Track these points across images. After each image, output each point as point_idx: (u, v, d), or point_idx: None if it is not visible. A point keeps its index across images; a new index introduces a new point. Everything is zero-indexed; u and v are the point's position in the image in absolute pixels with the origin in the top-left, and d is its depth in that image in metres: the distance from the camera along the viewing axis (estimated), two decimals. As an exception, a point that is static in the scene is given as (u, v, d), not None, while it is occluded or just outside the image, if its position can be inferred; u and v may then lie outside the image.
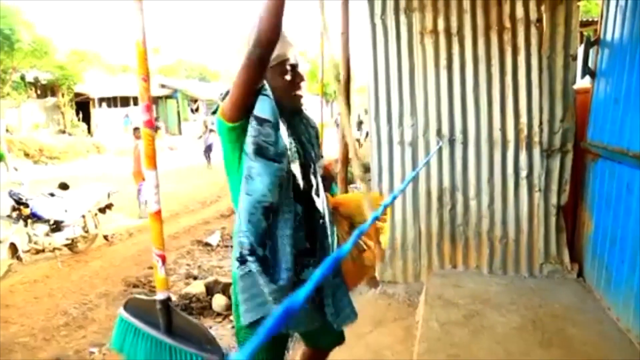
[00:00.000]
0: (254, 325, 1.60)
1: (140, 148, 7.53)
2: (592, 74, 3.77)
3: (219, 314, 4.16)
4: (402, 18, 3.97)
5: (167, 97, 28.04)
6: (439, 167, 4.01)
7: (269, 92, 1.55)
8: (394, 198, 1.35)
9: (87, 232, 6.31)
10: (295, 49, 1.69)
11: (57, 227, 5.84)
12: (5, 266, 5.19)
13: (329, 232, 1.79)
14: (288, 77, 1.66)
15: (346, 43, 4.11)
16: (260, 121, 1.52)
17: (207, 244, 6.52)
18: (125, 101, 26.15)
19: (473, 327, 3.00)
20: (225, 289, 4.33)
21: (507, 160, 3.90)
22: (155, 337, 1.68)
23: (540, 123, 3.81)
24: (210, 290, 4.48)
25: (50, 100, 22.71)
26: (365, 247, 1.93)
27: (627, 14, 3.21)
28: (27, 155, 16.49)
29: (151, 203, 1.65)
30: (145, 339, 1.71)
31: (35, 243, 5.62)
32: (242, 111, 1.53)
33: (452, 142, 3.97)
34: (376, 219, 1.04)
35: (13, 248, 5.31)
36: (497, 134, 3.90)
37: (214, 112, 1.65)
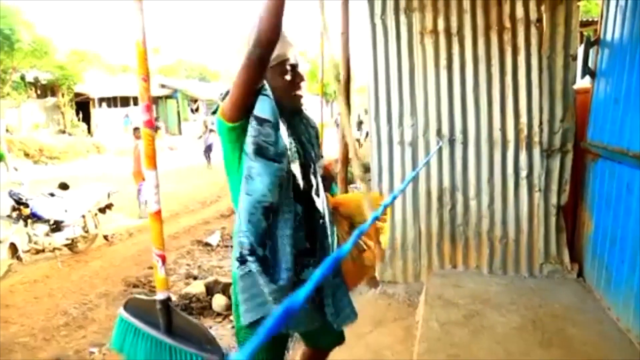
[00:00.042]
0: (253, 325, 1.60)
1: (140, 148, 7.53)
2: (592, 74, 3.77)
3: (219, 314, 4.16)
4: (402, 18, 3.97)
5: (167, 97, 28.05)
6: (439, 167, 4.01)
7: (269, 92, 1.54)
8: (394, 198, 1.34)
9: (87, 232, 6.31)
10: (295, 49, 1.69)
11: (57, 227, 5.84)
12: (5, 266, 5.19)
13: (329, 232, 1.79)
14: (288, 77, 1.66)
15: (346, 43, 4.11)
16: (260, 121, 1.51)
17: (207, 244, 6.52)
18: (125, 101, 26.15)
19: (473, 327, 3.00)
20: (225, 289, 4.33)
21: (507, 160, 3.90)
22: (155, 337, 1.68)
23: (540, 123, 3.81)
24: (210, 290, 4.48)
25: (50, 100, 22.71)
26: (365, 247, 1.93)
27: (627, 14, 3.21)
28: (27, 155, 16.49)
29: (151, 203, 1.65)
30: (145, 339, 1.71)
31: (35, 243, 5.62)
32: (242, 111, 1.53)
33: (452, 142, 3.97)
34: (376, 219, 1.04)
35: (13, 248, 5.31)
36: (497, 134, 3.90)
37: (214, 112, 1.64)
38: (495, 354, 2.68)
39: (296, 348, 3.23)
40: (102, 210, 6.62)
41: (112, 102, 25.70)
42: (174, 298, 4.10)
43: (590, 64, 3.77)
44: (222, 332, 3.81)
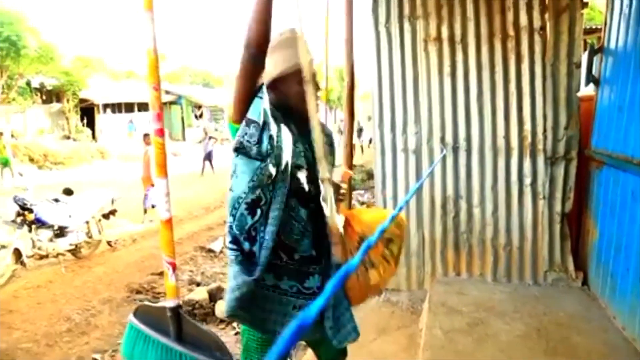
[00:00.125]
0: (231, 317, 1.66)
1: (150, 154, 7.57)
2: (596, 82, 3.77)
3: (222, 321, 4.16)
4: (406, 25, 3.98)
5: (172, 103, 28.17)
6: (442, 175, 4.01)
7: (264, 94, 1.57)
8: (400, 209, 1.34)
9: (90, 237, 6.33)
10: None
11: (61, 232, 5.86)
12: (9, 271, 5.20)
13: None
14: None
15: (350, 50, 4.13)
16: (248, 122, 1.56)
17: (210, 250, 6.53)
18: (129, 107, 26.29)
19: (477, 335, 2.99)
20: (228, 296, 4.32)
21: (511, 168, 3.89)
22: (165, 344, 1.69)
23: (544, 130, 3.80)
24: (213, 296, 4.48)
25: (55, 106, 22.84)
26: (372, 264, 1.90)
27: (631, 22, 3.21)
28: (31, 160, 16.57)
29: (162, 211, 1.66)
30: (156, 346, 1.71)
31: (39, 248, 5.64)
32: (243, 113, 1.58)
33: (455, 149, 3.97)
34: (383, 232, 1.04)
35: (17, 253, 5.33)
36: (500, 141, 3.89)
37: None
38: (500, 363, 2.67)
39: (299, 353, 3.23)
40: (106, 216, 6.64)
41: (116, 108, 25.83)
42: (177, 304, 4.10)
43: (594, 72, 3.77)
44: (226, 339, 3.80)
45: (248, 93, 1.56)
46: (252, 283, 1.58)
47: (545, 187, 3.83)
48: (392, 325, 3.60)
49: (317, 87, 1.74)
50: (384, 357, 3.16)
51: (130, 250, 6.76)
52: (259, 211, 1.60)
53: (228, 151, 1.81)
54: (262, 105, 1.56)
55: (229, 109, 1.62)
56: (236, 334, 3.82)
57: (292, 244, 1.66)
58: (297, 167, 1.66)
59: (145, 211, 8.23)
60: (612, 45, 3.53)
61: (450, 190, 4.01)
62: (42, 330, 4.16)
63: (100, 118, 24.71)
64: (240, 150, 1.57)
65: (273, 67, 1.67)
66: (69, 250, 6.01)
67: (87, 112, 23.89)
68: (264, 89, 1.58)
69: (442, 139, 3.99)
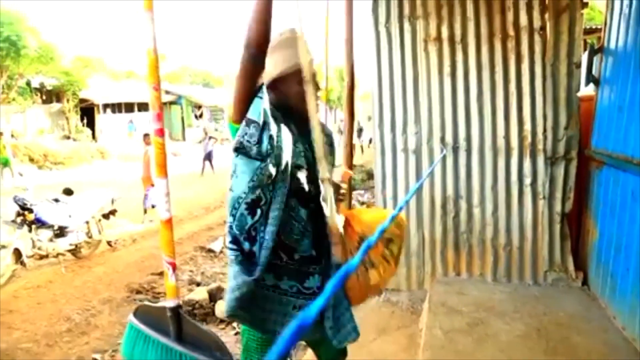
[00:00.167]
0: (231, 317, 1.66)
1: (150, 154, 7.57)
2: (596, 82, 3.77)
3: (222, 321, 4.16)
4: (406, 25, 3.98)
5: (172, 103, 28.18)
6: (442, 175, 4.01)
7: (263, 94, 1.58)
8: (400, 209, 1.34)
9: (90, 237, 6.33)
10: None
11: (61, 232, 5.86)
12: (9, 271, 5.20)
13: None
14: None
15: (350, 50, 4.13)
16: (248, 122, 1.56)
17: (210, 250, 6.53)
18: (129, 107, 26.29)
19: (477, 335, 2.99)
20: (228, 296, 4.32)
21: (511, 168, 3.90)
22: (165, 344, 1.69)
23: (544, 130, 3.80)
24: (213, 296, 4.48)
25: (55, 106, 22.85)
26: (372, 264, 1.88)
27: (631, 21, 3.21)
28: (31, 160, 16.57)
29: (162, 211, 1.66)
30: (156, 346, 1.71)
31: (39, 248, 5.64)
32: (243, 113, 1.58)
33: (455, 149, 3.97)
34: (383, 231, 1.04)
35: (17, 253, 5.33)
36: (500, 141, 3.89)
37: None
38: (500, 363, 2.67)
39: (299, 353, 3.23)
40: (106, 216, 6.64)
41: (116, 108, 25.83)
42: (177, 304, 4.10)
43: (594, 72, 3.77)
44: (226, 339, 3.80)
45: (248, 93, 1.56)
46: (252, 283, 1.58)
47: (545, 187, 3.84)
48: (392, 325, 3.60)
49: (317, 87, 1.74)
50: (384, 357, 3.16)
51: (130, 250, 6.76)
52: (259, 211, 1.60)
53: (228, 151, 1.81)
54: (262, 105, 1.56)
55: (229, 109, 1.62)
56: (236, 334, 3.82)
57: (292, 244, 1.66)
58: (297, 167, 1.66)
59: (145, 211, 8.23)
60: (612, 45, 3.53)
61: (450, 190, 4.01)
62: (42, 330, 4.16)
63: (100, 118, 24.72)
64: (240, 150, 1.58)
65: (273, 67, 1.68)
66: (69, 250, 6.01)
67: (87, 112, 23.89)
68: (264, 89, 1.58)
69: (442, 139, 3.99)
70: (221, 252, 6.46)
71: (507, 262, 3.95)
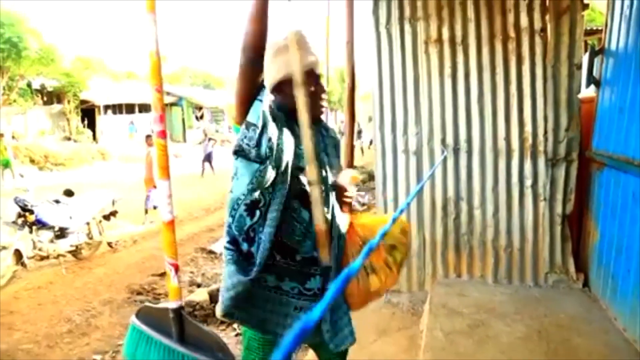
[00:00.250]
0: (226, 316, 1.67)
1: (152, 155, 7.58)
2: (597, 83, 3.77)
3: (222, 322, 4.15)
4: (407, 27, 3.98)
5: (172, 104, 28.20)
6: (443, 176, 4.01)
7: (263, 97, 1.58)
8: (401, 212, 1.34)
9: (91, 238, 6.33)
10: (318, 61, 1.74)
11: (61, 233, 5.86)
12: (10, 272, 5.21)
13: (340, 245, 1.77)
14: (312, 88, 1.70)
15: (351, 52, 4.13)
16: (247, 125, 1.58)
17: (210, 252, 6.53)
18: (130, 108, 26.31)
19: (478, 336, 2.98)
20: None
21: (512, 169, 3.89)
22: (167, 345, 1.69)
23: (545, 132, 3.80)
24: (213, 298, 4.47)
25: (56, 107, 22.87)
26: (373, 270, 1.85)
27: (632, 23, 3.21)
28: (32, 161, 16.58)
29: (164, 212, 1.67)
30: (158, 348, 1.71)
31: (40, 249, 5.64)
32: (245, 115, 1.60)
33: (456, 151, 3.97)
34: (384, 234, 1.04)
35: (18, 254, 5.33)
36: (501, 143, 3.89)
37: None
38: (501, 364, 2.66)
39: (300, 354, 3.22)
40: (106, 217, 6.64)
41: (117, 109, 25.85)
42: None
43: (594, 73, 3.77)
44: (226, 341, 3.77)
45: (248, 95, 1.58)
46: (248, 283, 1.60)
47: (546, 189, 3.83)
48: (393, 327, 3.60)
49: (322, 89, 1.74)
50: (384, 359, 3.16)
51: (131, 252, 6.76)
52: (257, 212, 1.62)
53: (228, 152, 1.82)
54: (261, 108, 1.57)
55: (232, 110, 1.64)
56: (237, 335, 3.81)
57: (293, 245, 1.66)
58: (299, 168, 1.66)
59: (146, 211, 8.23)
60: (613, 47, 3.53)
61: (451, 192, 4.00)
62: (43, 331, 4.16)
63: (101, 119, 24.74)
64: (239, 153, 1.60)
65: (276, 70, 1.68)
66: (70, 252, 6.01)
67: (88, 114, 23.91)
68: (264, 91, 1.59)
69: (443, 141, 3.99)
70: (222, 253, 6.45)
71: (508, 263, 3.95)
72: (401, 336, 3.45)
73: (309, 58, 1.68)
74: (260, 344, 1.75)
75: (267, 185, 1.60)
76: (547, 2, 3.73)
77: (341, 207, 1.86)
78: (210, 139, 15.87)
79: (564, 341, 2.90)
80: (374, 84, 4.11)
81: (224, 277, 1.67)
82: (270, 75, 1.68)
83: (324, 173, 1.75)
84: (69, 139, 21.68)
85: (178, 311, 1.68)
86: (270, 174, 1.58)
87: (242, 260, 1.64)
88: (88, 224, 6.27)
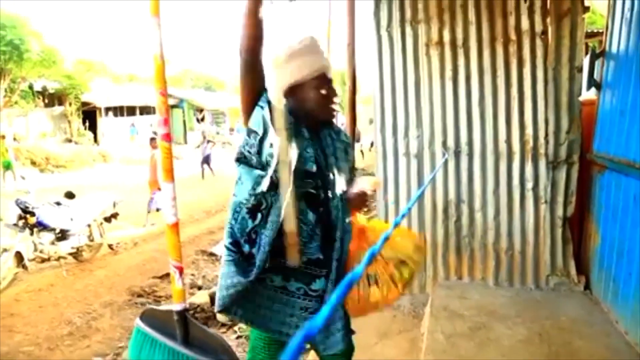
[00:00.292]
0: (223, 311, 1.73)
1: (156, 157, 7.60)
2: (598, 86, 3.77)
3: (223, 324, 4.15)
4: (408, 30, 3.99)
5: (174, 106, 28.23)
6: (444, 179, 4.00)
7: (264, 103, 1.60)
8: (403, 216, 1.35)
9: (92, 241, 6.33)
10: (330, 66, 1.77)
11: (62, 235, 5.86)
12: (10, 275, 5.21)
13: (345, 248, 1.77)
14: (324, 91, 1.72)
15: (352, 54, 4.13)
16: (249, 132, 1.63)
17: (211, 254, 6.52)
18: (131, 110, 26.34)
19: (479, 339, 2.98)
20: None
21: (513, 172, 3.89)
22: (172, 347, 1.69)
23: (546, 135, 3.80)
24: (214, 300, 4.46)
25: (57, 109, 22.92)
26: (375, 281, 1.82)
27: (633, 25, 3.21)
28: (34, 163, 16.60)
29: (168, 215, 1.69)
30: (162, 350, 1.71)
31: (41, 252, 5.64)
32: (249, 119, 1.65)
33: (457, 153, 3.96)
34: (386, 239, 1.04)
35: (19, 256, 5.33)
36: (502, 145, 3.89)
37: None
38: (502, 367, 2.66)
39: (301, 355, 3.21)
40: (107, 219, 6.64)
41: (118, 111, 25.89)
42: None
43: (595, 76, 3.77)
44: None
45: (250, 99, 1.62)
46: (247, 283, 1.63)
47: (547, 192, 3.83)
48: (394, 329, 3.59)
49: (334, 93, 1.75)
50: (385, 362, 3.15)
51: (132, 254, 6.76)
52: (259, 215, 1.65)
53: (229, 155, 1.84)
54: (261, 114, 1.59)
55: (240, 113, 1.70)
56: (238, 337, 3.81)
57: (300, 247, 1.66)
58: (306, 171, 1.66)
59: (148, 212, 8.23)
60: (614, 49, 3.54)
61: (452, 195, 4.00)
62: (44, 333, 4.16)
63: (102, 121, 24.79)
64: (241, 160, 1.65)
65: (290, 74, 1.69)
66: (71, 254, 6.01)
67: (89, 116, 23.96)
68: (265, 97, 1.62)
69: (444, 143, 3.98)
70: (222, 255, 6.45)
71: (509, 266, 3.94)
72: (402, 339, 3.45)
73: (321, 62, 1.71)
74: (265, 344, 1.77)
75: (269, 190, 1.62)
76: (548, 4, 3.73)
77: (353, 212, 1.85)
78: (208, 141, 15.92)
79: (565, 344, 2.89)
80: (375, 86, 4.11)
81: (222, 276, 1.71)
82: (284, 79, 1.69)
83: (331, 176, 1.75)
84: (70, 141, 21.73)
85: (182, 313, 1.68)
86: (271, 180, 1.60)
87: (242, 261, 1.66)
88: (89, 226, 6.27)
